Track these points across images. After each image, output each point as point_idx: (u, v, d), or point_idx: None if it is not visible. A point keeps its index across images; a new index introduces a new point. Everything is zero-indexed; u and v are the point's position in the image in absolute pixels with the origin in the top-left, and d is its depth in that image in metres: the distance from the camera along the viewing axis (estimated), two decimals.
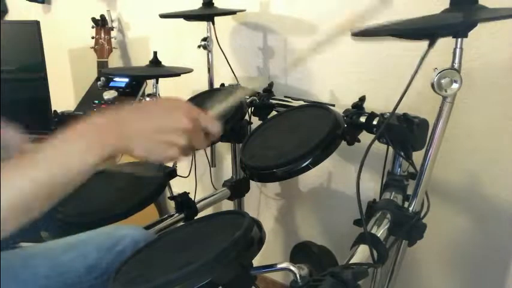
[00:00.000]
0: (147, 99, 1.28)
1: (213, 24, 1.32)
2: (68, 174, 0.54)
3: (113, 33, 1.75)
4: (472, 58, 0.97)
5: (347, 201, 1.33)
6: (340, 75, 1.24)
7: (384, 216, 0.84)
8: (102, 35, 1.73)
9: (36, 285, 0.74)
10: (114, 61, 1.84)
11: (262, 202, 1.59)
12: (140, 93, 1.65)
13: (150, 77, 1.36)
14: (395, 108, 0.70)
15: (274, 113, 1.18)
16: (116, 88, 1.66)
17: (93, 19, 1.72)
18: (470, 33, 0.66)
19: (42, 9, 2.15)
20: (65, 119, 1.63)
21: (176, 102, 0.63)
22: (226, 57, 1.38)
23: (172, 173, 1.23)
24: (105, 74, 1.71)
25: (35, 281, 0.74)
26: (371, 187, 1.11)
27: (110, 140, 0.57)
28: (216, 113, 0.69)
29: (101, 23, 1.72)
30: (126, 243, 0.83)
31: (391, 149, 0.91)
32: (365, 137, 0.91)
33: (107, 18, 1.72)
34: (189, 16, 1.32)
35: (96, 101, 1.66)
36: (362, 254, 0.76)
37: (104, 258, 0.80)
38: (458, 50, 0.68)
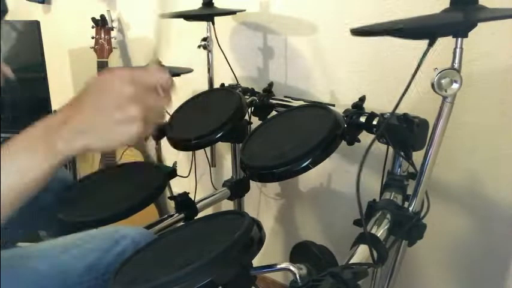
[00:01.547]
0: None
1: (213, 24, 1.32)
2: (20, 184, 0.52)
3: (113, 33, 1.75)
4: (472, 58, 0.97)
5: (347, 201, 1.33)
6: (340, 75, 1.24)
7: (383, 216, 0.84)
8: (102, 35, 1.73)
9: (35, 285, 0.74)
10: (114, 61, 1.84)
11: (262, 202, 1.59)
12: None
13: None
14: (395, 108, 0.70)
15: (274, 113, 1.18)
16: None
17: (93, 19, 1.72)
18: (470, 33, 0.66)
19: (42, 9, 2.15)
20: None
21: (110, 75, 0.55)
22: (226, 57, 1.38)
23: (172, 173, 1.23)
24: None
25: (35, 281, 0.74)
26: (371, 187, 1.11)
27: (59, 144, 0.52)
28: (153, 61, 0.62)
29: (101, 23, 1.72)
30: (126, 244, 0.82)
31: (391, 149, 0.91)
32: (365, 137, 0.91)
33: (107, 18, 1.72)
34: (189, 16, 1.31)
35: None
36: (362, 254, 0.76)
37: (104, 258, 0.80)
38: (458, 50, 0.68)
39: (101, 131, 0.53)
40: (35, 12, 2.15)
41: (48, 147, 0.52)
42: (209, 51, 1.34)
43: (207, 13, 1.29)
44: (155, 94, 0.55)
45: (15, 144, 0.53)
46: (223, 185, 1.35)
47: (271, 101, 1.19)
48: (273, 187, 1.54)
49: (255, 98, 1.21)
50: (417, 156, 0.85)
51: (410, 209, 0.82)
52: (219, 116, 1.06)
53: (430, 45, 0.65)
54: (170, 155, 1.53)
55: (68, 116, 0.53)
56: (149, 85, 0.54)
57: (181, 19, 1.31)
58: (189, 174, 1.43)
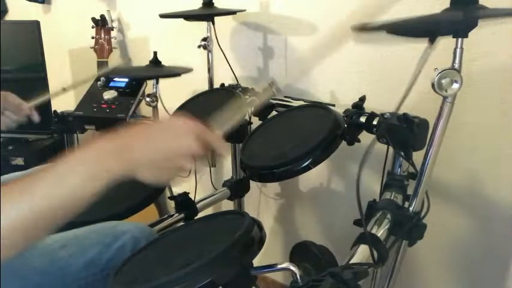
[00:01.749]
0: (147, 99, 1.28)
1: (213, 24, 1.32)
2: (68, 203, 0.52)
3: (113, 33, 1.75)
4: (472, 58, 0.97)
5: (347, 201, 1.33)
6: (340, 75, 1.24)
7: (384, 216, 0.84)
8: (102, 35, 1.73)
9: (34, 281, 0.74)
10: (114, 61, 1.84)
11: (262, 202, 1.59)
12: (140, 93, 1.65)
13: (150, 77, 1.36)
14: (398, 108, 0.70)
15: (274, 113, 1.18)
16: (116, 88, 1.66)
17: (93, 19, 1.72)
18: (470, 33, 0.66)
19: (42, 9, 2.15)
20: (64, 119, 1.63)
21: (184, 125, 0.59)
22: (226, 57, 1.38)
23: None
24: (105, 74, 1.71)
25: (34, 277, 0.74)
26: (371, 187, 1.11)
27: (112, 168, 0.54)
28: (224, 130, 0.67)
29: (101, 23, 1.72)
30: (126, 239, 0.82)
31: (391, 149, 0.91)
32: (365, 137, 0.91)
33: (107, 18, 1.72)
34: (189, 16, 1.31)
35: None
36: (362, 254, 0.76)
37: (104, 253, 0.79)
38: (458, 50, 0.68)
39: (154, 169, 0.57)
40: (35, 12, 2.15)
41: (102, 168, 0.54)
42: (209, 51, 1.34)
43: (207, 13, 1.29)
44: (209, 156, 0.59)
45: (69, 160, 0.53)
46: (223, 185, 1.35)
47: (271, 101, 1.19)
48: (273, 187, 1.54)
49: (255, 98, 1.21)
50: (417, 156, 0.85)
51: (411, 209, 0.82)
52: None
53: (430, 45, 0.65)
54: None
55: (129, 144, 0.56)
56: (211, 149, 0.60)
57: (181, 19, 1.31)
58: (189, 174, 1.43)
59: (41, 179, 0.51)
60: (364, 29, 0.74)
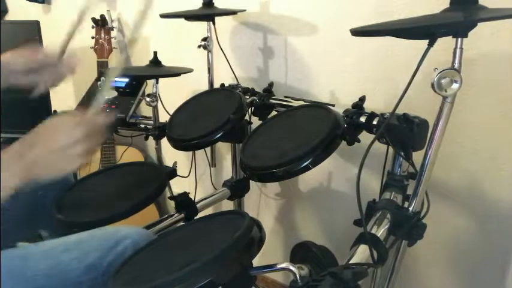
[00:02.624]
0: (147, 99, 1.28)
1: (213, 24, 1.32)
2: None
3: (113, 33, 1.75)
4: (472, 58, 0.97)
5: (347, 201, 1.33)
6: (340, 75, 1.24)
7: (383, 216, 0.84)
8: (102, 35, 1.73)
9: (36, 284, 0.74)
10: (114, 61, 1.84)
11: (262, 202, 1.59)
12: (140, 93, 1.65)
13: (150, 77, 1.36)
14: (395, 108, 0.70)
15: (274, 113, 1.18)
16: (116, 88, 1.66)
17: (93, 19, 1.72)
18: (470, 33, 0.66)
19: (42, 9, 2.15)
20: None
21: (63, 118, 0.70)
22: (226, 57, 1.38)
23: (172, 173, 1.23)
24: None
25: (35, 281, 0.74)
26: (371, 187, 1.11)
27: (17, 173, 0.64)
28: (96, 106, 0.76)
29: (101, 23, 1.72)
30: (126, 244, 0.82)
31: (391, 149, 0.91)
32: (365, 137, 0.91)
33: (107, 18, 1.72)
34: (189, 16, 1.31)
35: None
36: (362, 254, 0.75)
37: (104, 258, 0.80)
38: (458, 50, 0.68)
39: (53, 164, 0.67)
40: (35, 12, 2.15)
41: (12, 173, 0.64)
42: (209, 51, 1.34)
43: (207, 13, 1.29)
44: (99, 133, 0.70)
45: None
46: (223, 185, 1.35)
47: (271, 101, 1.19)
48: (273, 187, 1.54)
49: (255, 98, 1.21)
50: (417, 156, 0.85)
51: (410, 209, 0.82)
52: (219, 116, 1.06)
53: (430, 45, 0.65)
54: (170, 155, 1.53)
55: (24, 149, 0.66)
56: (93, 127, 0.70)
57: (182, 19, 1.31)
58: (189, 174, 1.43)
59: None
60: (364, 33, 0.74)
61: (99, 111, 0.76)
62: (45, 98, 1.68)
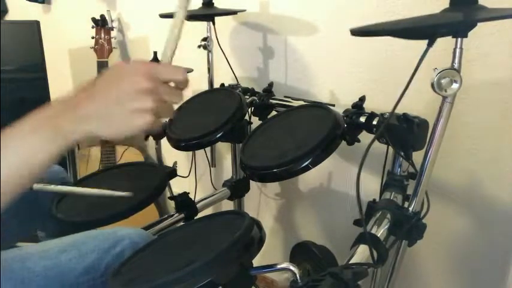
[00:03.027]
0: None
1: (213, 24, 1.32)
2: (28, 167, 0.52)
3: (113, 33, 1.75)
4: (472, 58, 0.97)
5: (347, 201, 1.33)
6: (340, 75, 1.24)
7: (383, 216, 0.84)
8: (102, 35, 1.73)
9: (34, 285, 0.74)
10: (114, 61, 1.84)
11: (262, 202, 1.59)
12: None
13: None
14: (394, 108, 0.70)
15: (274, 113, 1.18)
16: None
17: (93, 19, 1.72)
18: (470, 33, 0.66)
19: (42, 9, 2.15)
20: None
21: (127, 65, 0.57)
22: (226, 57, 1.38)
23: (172, 173, 1.23)
24: None
25: (32, 281, 0.74)
26: (371, 187, 1.11)
27: (66, 128, 0.52)
28: (168, 56, 0.63)
29: (101, 23, 1.72)
30: (125, 245, 0.82)
31: (391, 149, 0.91)
32: (365, 137, 0.91)
33: (107, 18, 1.72)
34: (189, 16, 1.31)
35: None
36: (362, 254, 0.76)
37: (103, 259, 0.80)
38: (458, 50, 0.68)
39: (111, 119, 0.53)
40: (35, 12, 2.15)
41: (55, 130, 0.52)
42: (209, 51, 1.34)
43: (207, 13, 1.29)
44: (169, 89, 0.55)
45: (20, 127, 0.53)
46: (223, 185, 1.35)
47: (271, 101, 1.19)
48: (273, 187, 1.54)
49: (255, 98, 1.21)
50: (417, 156, 0.85)
51: (410, 209, 0.82)
52: (219, 116, 1.06)
53: (430, 45, 0.65)
54: (170, 155, 1.53)
55: (78, 100, 0.54)
56: (165, 80, 0.55)
57: None
58: (189, 174, 1.43)
59: (3, 143, 0.51)
60: (363, 33, 0.74)
61: (170, 61, 0.62)
62: (45, 99, 1.68)
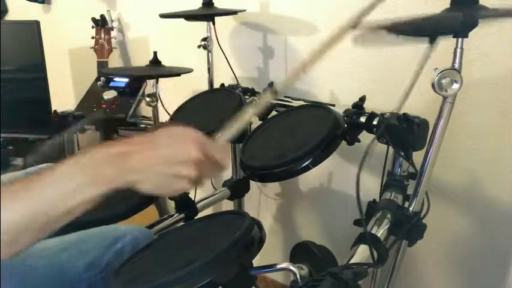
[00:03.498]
0: (147, 99, 1.28)
1: (213, 24, 1.32)
2: (63, 209, 0.51)
3: (113, 33, 1.75)
4: (472, 58, 0.97)
5: (347, 201, 1.33)
6: (340, 75, 1.24)
7: (384, 216, 0.84)
8: (102, 35, 1.73)
9: (34, 283, 0.74)
10: (114, 61, 1.84)
11: (262, 202, 1.59)
12: (140, 93, 1.65)
13: (150, 77, 1.36)
14: (399, 109, 0.70)
15: (274, 113, 1.18)
16: (116, 88, 1.66)
17: (93, 19, 1.72)
18: (470, 33, 0.66)
19: (42, 9, 2.15)
20: (64, 119, 1.63)
21: (185, 132, 0.58)
22: (226, 57, 1.37)
23: None
24: (105, 74, 1.71)
25: (34, 279, 0.74)
26: (371, 187, 1.11)
27: (110, 175, 0.53)
28: (226, 139, 0.65)
29: (101, 23, 1.72)
30: (125, 241, 0.83)
31: (391, 149, 0.91)
32: (365, 137, 0.91)
33: (107, 18, 1.72)
34: (189, 16, 1.31)
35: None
36: (362, 254, 0.76)
37: (104, 255, 0.80)
38: (458, 50, 0.68)
39: (154, 177, 0.55)
40: (35, 12, 2.15)
41: (101, 176, 0.53)
42: (209, 51, 1.34)
43: (207, 13, 1.29)
44: (213, 166, 0.58)
45: (65, 166, 0.53)
46: (223, 185, 1.35)
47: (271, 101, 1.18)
48: (273, 187, 1.54)
49: (255, 98, 1.21)
50: (417, 156, 0.85)
51: (411, 209, 0.82)
52: (219, 116, 1.06)
53: (431, 45, 0.65)
54: None
55: (129, 151, 0.55)
56: (213, 159, 0.57)
57: (182, 19, 1.31)
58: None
59: (37, 181, 0.51)
60: (364, 42, 0.74)
61: (228, 141, 0.63)
62: (45, 98, 1.68)
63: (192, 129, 0.59)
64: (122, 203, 1.02)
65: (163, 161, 0.55)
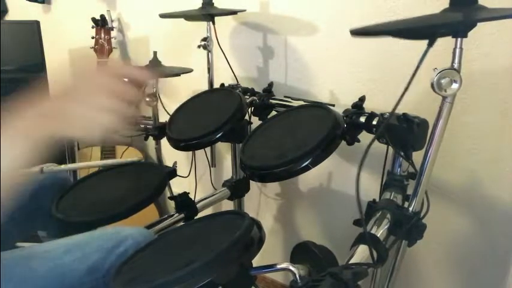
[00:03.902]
0: (147, 99, 1.28)
1: (213, 24, 1.32)
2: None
3: (113, 33, 1.75)
4: (472, 58, 0.97)
5: (347, 201, 1.33)
6: (340, 75, 1.24)
7: (383, 216, 0.84)
8: (102, 35, 1.73)
9: (37, 285, 0.74)
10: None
11: (262, 202, 1.59)
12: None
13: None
14: (394, 108, 0.70)
15: (274, 113, 1.18)
16: None
17: (93, 19, 1.72)
18: (470, 33, 0.66)
19: (42, 9, 2.15)
20: None
21: (88, 68, 0.59)
22: (226, 57, 1.38)
23: (172, 173, 1.23)
24: None
25: (35, 282, 0.74)
26: (371, 187, 1.11)
27: (46, 131, 0.54)
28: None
29: (101, 23, 1.72)
30: (128, 245, 0.83)
31: (391, 149, 0.91)
32: (365, 137, 0.91)
33: (107, 18, 1.72)
34: (189, 16, 1.32)
35: None
36: (362, 254, 0.76)
37: (106, 259, 0.80)
38: (458, 50, 0.68)
39: (79, 118, 0.54)
40: (35, 12, 2.15)
41: (38, 135, 0.53)
42: (209, 51, 1.34)
43: (207, 13, 1.29)
44: (125, 85, 0.57)
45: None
46: (223, 185, 1.35)
47: (271, 101, 1.19)
48: (273, 187, 1.54)
49: (255, 98, 1.21)
50: (417, 156, 0.85)
51: (410, 209, 0.82)
52: (219, 116, 1.06)
53: (430, 45, 0.65)
54: (170, 155, 1.53)
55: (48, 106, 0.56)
56: (130, 79, 0.57)
57: (181, 19, 1.31)
58: (189, 174, 1.43)
59: None
60: (363, 33, 0.73)
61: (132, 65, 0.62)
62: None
63: (94, 62, 0.58)
64: (122, 203, 1.02)
65: (79, 100, 0.55)
